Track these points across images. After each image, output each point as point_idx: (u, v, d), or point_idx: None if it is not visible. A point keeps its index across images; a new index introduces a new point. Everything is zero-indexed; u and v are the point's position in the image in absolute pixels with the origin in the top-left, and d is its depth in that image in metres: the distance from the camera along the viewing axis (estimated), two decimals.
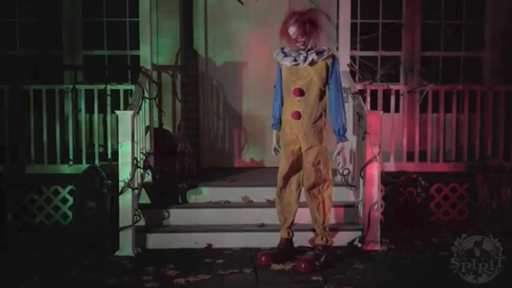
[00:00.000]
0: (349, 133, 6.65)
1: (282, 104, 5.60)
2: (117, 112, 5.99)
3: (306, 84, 5.42)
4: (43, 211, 6.99)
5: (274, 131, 5.74)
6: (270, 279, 5.18)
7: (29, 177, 7.06)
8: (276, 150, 5.75)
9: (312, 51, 5.40)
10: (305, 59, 5.39)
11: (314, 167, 5.46)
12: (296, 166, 5.60)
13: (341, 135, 5.49)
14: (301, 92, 5.43)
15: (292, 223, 5.73)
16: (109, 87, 7.22)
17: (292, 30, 5.35)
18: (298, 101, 5.44)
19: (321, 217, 5.55)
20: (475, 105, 7.38)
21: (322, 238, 5.57)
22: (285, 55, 5.50)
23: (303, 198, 5.66)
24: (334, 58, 5.48)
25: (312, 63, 5.39)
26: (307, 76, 5.42)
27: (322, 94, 5.47)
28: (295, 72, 5.46)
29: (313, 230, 5.68)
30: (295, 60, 5.42)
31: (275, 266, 5.43)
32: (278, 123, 5.66)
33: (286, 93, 5.54)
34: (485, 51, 8.42)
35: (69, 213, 6.91)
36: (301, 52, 5.41)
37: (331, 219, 5.83)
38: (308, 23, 5.34)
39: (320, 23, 5.46)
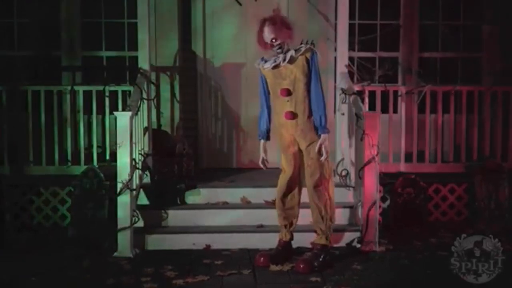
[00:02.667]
0: (347, 134, 6.68)
1: (269, 114, 5.63)
2: (115, 113, 5.99)
3: (291, 82, 5.44)
4: (41, 212, 6.98)
5: (262, 141, 5.71)
6: (269, 280, 5.18)
7: (28, 178, 7.06)
8: (264, 161, 5.72)
9: (290, 50, 5.44)
10: (285, 58, 5.42)
11: (318, 162, 5.47)
12: (298, 168, 5.62)
13: (322, 126, 5.44)
14: (288, 92, 5.45)
15: (295, 225, 5.75)
16: (107, 88, 7.22)
17: (267, 36, 5.39)
18: (288, 101, 5.46)
19: (329, 214, 5.55)
20: (473, 105, 7.39)
21: (326, 238, 5.58)
22: (265, 61, 5.55)
23: (303, 199, 5.67)
24: (312, 51, 5.48)
25: (292, 60, 5.42)
26: (291, 75, 5.44)
27: (308, 89, 5.46)
28: (278, 75, 5.48)
29: (315, 231, 5.66)
30: (275, 61, 5.45)
31: (274, 267, 5.43)
32: (265, 133, 5.67)
33: (274, 97, 5.56)
34: (483, 52, 8.43)
35: (68, 214, 6.90)
36: (279, 55, 5.44)
37: None
38: (279, 26, 5.39)
39: (288, 21, 5.51)
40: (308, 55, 5.44)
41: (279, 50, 5.41)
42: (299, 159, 5.59)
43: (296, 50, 5.44)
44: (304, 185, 5.65)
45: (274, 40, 5.37)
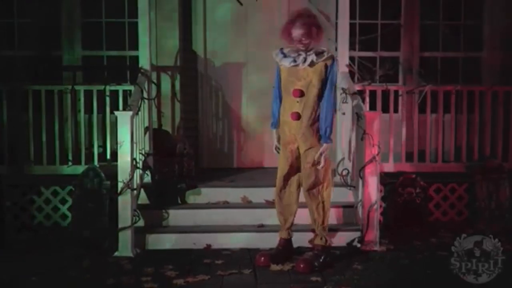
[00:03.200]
0: (348, 134, 6.68)
1: (281, 103, 5.60)
2: (116, 112, 5.99)
3: (306, 85, 5.41)
4: (42, 212, 6.98)
5: (274, 130, 5.71)
6: (269, 280, 5.17)
7: (28, 178, 7.06)
8: (277, 148, 5.72)
9: (311, 52, 5.39)
10: (305, 60, 5.37)
11: (314, 167, 5.46)
12: (295, 166, 5.59)
13: (326, 137, 5.42)
14: (301, 93, 5.41)
15: (292, 223, 5.73)
16: (108, 87, 7.22)
17: (297, 32, 5.33)
18: (298, 102, 5.43)
19: (321, 217, 5.55)
20: (474, 105, 7.39)
21: (321, 239, 5.58)
22: (284, 55, 5.49)
23: (302, 199, 5.65)
24: (333, 59, 5.47)
25: (312, 64, 5.38)
26: (307, 77, 5.40)
27: (320, 95, 5.45)
28: (294, 73, 5.44)
29: (313, 230, 5.68)
30: (294, 61, 5.40)
31: (274, 267, 5.43)
32: (278, 122, 5.64)
33: (285, 93, 5.52)
34: (483, 52, 8.43)
35: (68, 213, 6.91)
36: (300, 53, 5.40)
37: (331, 219, 5.82)
38: (315, 26, 5.37)
39: (319, 22, 5.48)
40: (329, 62, 5.41)
41: (302, 48, 5.38)
42: (297, 157, 5.57)
43: (317, 55, 5.39)
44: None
45: (304, 39, 5.34)
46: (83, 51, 8.15)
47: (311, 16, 5.44)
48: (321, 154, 5.42)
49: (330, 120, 5.42)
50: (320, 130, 5.43)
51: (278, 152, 5.72)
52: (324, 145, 5.42)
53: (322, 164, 5.44)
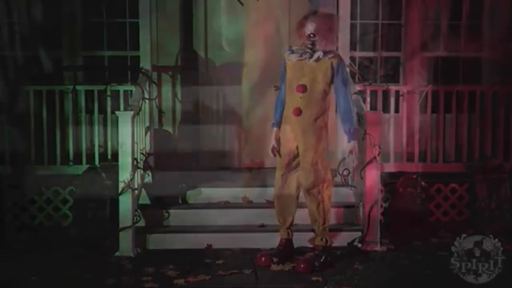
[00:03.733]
0: None
1: (285, 103, 5.60)
2: (117, 113, 6.00)
3: (310, 81, 5.43)
4: (43, 212, 6.99)
5: (274, 129, 5.69)
6: (270, 280, 5.19)
7: (30, 178, 7.06)
8: (274, 149, 5.69)
9: (319, 50, 5.42)
10: (311, 56, 5.41)
11: (313, 167, 5.46)
12: (293, 165, 5.60)
13: (351, 135, 5.50)
14: (304, 89, 5.43)
15: (291, 224, 5.73)
16: (109, 87, 7.22)
17: (308, 28, 5.41)
18: (300, 97, 5.44)
19: (321, 218, 5.55)
20: (475, 105, 7.39)
21: (321, 239, 5.57)
22: (292, 52, 5.54)
23: (302, 199, 5.66)
24: (339, 59, 5.51)
25: (318, 60, 5.41)
26: (311, 74, 5.43)
27: (325, 93, 5.47)
28: (299, 69, 5.47)
29: (313, 230, 5.67)
30: (301, 56, 5.45)
31: (275, 267, 5.44)
32: (279, 121, 5.65)
33: (289, 90, 5.54)
34: (484, 52, 8.41)
35: (69, 213, 6.91)
36: (307, 50, 5.43)
37: (331, 219, 5.82)
38: (327, 27, 5.43)
39: (335, 25, 5.58)
40: (335, 61, 5.45)
41: (310, 46, 5.42)
42: (295, 157, 5.57)
43: (325, 53, 5.43)
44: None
45: (312, 36, 5.39)
46: (84, 51, 8.13)
47: (326, 17, 5.52)
48: (350, 153, 5.56)
49: (351, 119, 5.51)
50: (344, 131, 5.55)
51: (274, 154, 5.71)
52: (351, 143, 5.54)
53: (356, 163, 5.71)
